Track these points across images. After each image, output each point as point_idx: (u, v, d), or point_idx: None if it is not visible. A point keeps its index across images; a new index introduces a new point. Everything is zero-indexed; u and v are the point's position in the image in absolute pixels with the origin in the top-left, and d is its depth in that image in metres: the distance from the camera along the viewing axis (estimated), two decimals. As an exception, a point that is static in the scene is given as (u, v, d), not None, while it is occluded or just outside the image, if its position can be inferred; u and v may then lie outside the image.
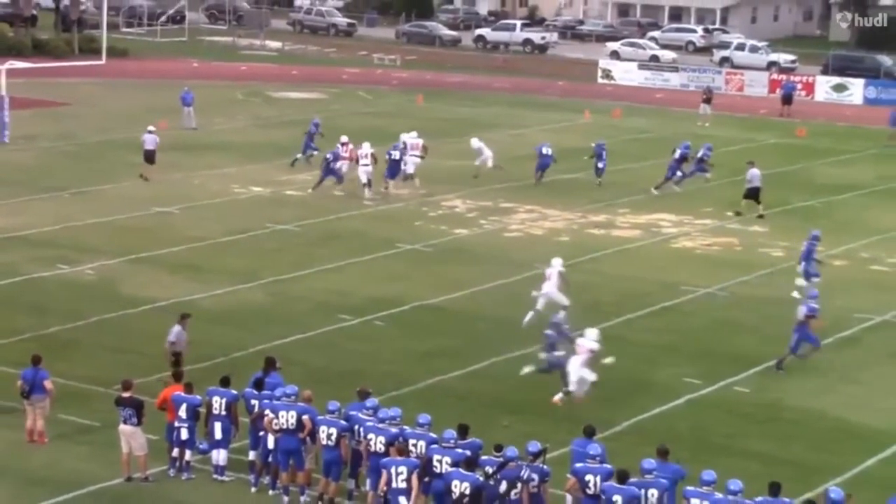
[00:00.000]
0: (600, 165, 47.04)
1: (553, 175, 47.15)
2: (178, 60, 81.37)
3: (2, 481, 21.34)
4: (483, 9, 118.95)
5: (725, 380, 27.38)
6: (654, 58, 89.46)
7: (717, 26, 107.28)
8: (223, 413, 21.47)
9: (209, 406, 21.55)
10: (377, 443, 20.06)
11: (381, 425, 20.28)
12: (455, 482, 18.86)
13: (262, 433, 21.17)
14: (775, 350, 29.28)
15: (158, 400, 21.94)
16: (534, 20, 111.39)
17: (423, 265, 35.90)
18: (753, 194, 42.78)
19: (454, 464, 19.25)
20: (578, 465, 19.44)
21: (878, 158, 56.21)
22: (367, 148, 43.42)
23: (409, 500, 19.22)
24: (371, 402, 21.15)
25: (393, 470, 19.31)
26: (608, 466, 19.10)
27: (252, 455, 21.51)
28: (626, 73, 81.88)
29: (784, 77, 77.94)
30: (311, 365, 26.61)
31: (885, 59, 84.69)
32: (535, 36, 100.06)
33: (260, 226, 39.16)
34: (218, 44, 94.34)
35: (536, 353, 28.49)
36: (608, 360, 25.76)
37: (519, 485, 18.97)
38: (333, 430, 20.49)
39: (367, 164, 43.21)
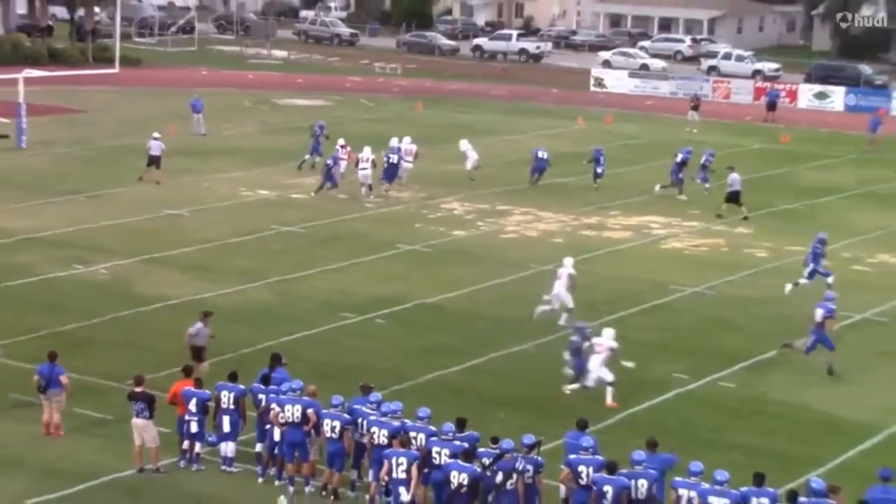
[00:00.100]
0: (598, 170, 47.13)
1: (547, 179, 47.18)
2: (188, 69, 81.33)
3: (20, 472, 21.35)
4: (480, 20, 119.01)
5: (712, 375, 27.38)
6: (645, 67, 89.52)
7: (704, 36, 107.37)
8: (231, 407, 21.47)
9: (218, 400, 21.56)
10: (380, 436, 20.09)
11: (383, 419, 20.31)
12: (453, 473, 18.89)
13: (268, 426, 21.18)
14: (760, 347, 29.37)
15: (169, 394, 21.95)
16: (529, 30, 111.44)
17: (423, 265, 35.91)
18: (734, 198, 42.84)
19: (453, 455, 19.27)
20: (572, 456, 19.45)
21: (858, 163, 56.22)
22: (367, 152, 43.45)
23: (408, 490, 19.25)
24: (375, 396, 21.17)
25: (394, 460, 19.33)
26: (600, 458, 19.10)
27: (259, 447, 21.51)
28: (618, 82, 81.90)
29: (768, 85, 78.03)
30: (315, 361, 26.60)
31: (865, 68, 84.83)
32: (531, 46, 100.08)
33: (266, 227, 39.15)
34: (226, 53, 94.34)
35: (530, 349, 28.63)
36: (630, 364, 25.66)
37: (514, 476, 18.98)
38: (337, 423, 20.52)
39: (366, 168, 43.26)
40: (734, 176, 43.12)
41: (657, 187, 46.00)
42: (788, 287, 33.53)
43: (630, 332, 29.50)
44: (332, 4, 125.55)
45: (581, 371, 25.48)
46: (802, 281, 33.67)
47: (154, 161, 44.77)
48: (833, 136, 64.26)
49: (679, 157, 46.15)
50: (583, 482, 18.95)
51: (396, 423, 20.18)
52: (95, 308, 30.28)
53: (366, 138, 46.96)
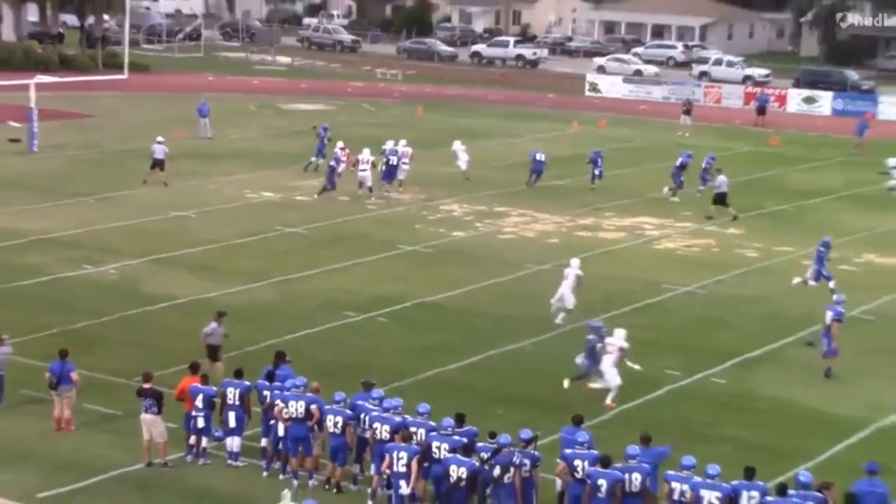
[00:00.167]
0: (596, 172, 47.21)
1: (543, 181, 47.20)
2: (195, 75, 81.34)
3: (32, 466, 21.36)
4: (478, 26, 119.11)
5: (704, 372, 27.39)
6: (638, 72, 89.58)
7: (696, 43, 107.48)
8: (237, 403, 21.48)
9: (224, 396, 21.56)
10: (382, 431, 20.10)
11: (385, 415, 20.32)
12: (453, 467, 18.90)
13: (273, 422, 21.18)
14: (750, 344, 29.39)
15: (177, 391, 21.95)
16: (526, 37, 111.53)
17: (423, 265, 35.91)
18: (720, 199, 42.93)
19: (452, 450, 19.28)
20: (567, 451, 19.46)
21: (845, 165, 56.23)
22: (366, 154, 43.64)
23: (408, 483, 19.26)
24: (377, 392, 21.19)
25: (394, 454, 19.33)
26: (595, 452, 19.12)
27: (264, 442, 21.52)
28: (612, 87, 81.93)
29: (758, 90, 78.06)
30: (318, 358, 26.60)
31: (852, 74, 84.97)
32: (527, 52, 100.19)
33: (271, 229, 39.15)
34: (232, 59, 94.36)
35: (527, 347, 28.64)
36: (636, 366, 25.62)
37: (512, 469, 18.98)
38: (339, 419, 20.53)
39: (365, 170, 43.39)
40: (722, 178, 43.26)
41: (665, 189, 45.71)
42: (797, 280, 33.41)
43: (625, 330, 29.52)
44: (335, 12, 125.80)
45: (591, 370, 25.41)
46: (811, 283, 33.46)
47: (158, 164, 44.86)
48: (821, 140, 64.27)
49: (679, 161, 46.16)
50: (578, 476, 18.97)
51: (398, 419, 20.19)
52: (105, 307, 30.28)
53: (368, 142, 46.98)
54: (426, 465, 19.41)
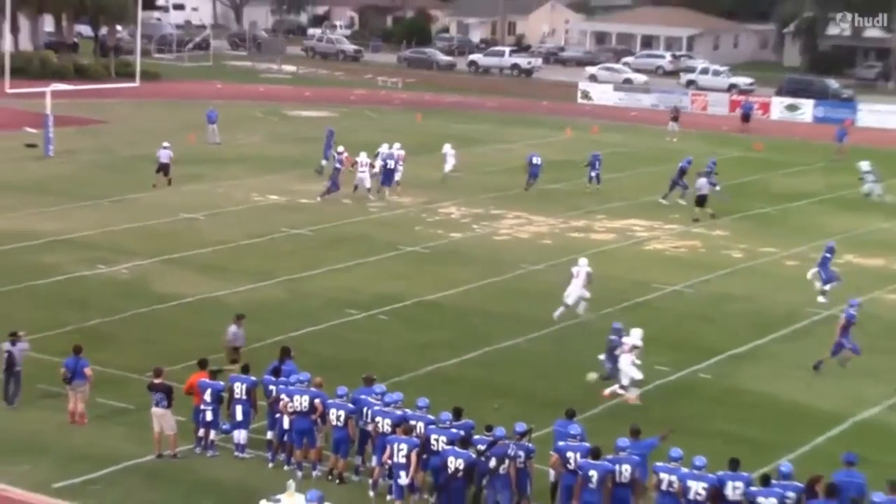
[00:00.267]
0: (593, 174, 47.23)
1: (538, 185, 47.15)
2: (204, 83, 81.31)
3: (47, 457, 21.34)
4: (475, 37, 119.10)
5: (691, 367, 27.37)
6: (628, 81, 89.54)
7: (683, 53, 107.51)
8: (244, 397, 21.45)
9: (231, 391, 21.53)
10: (384, 424, 20.09)
11: (386, 409, 20.31)
12: (450, 459, 18.89)
13: (278, 415, 21.16)
14: (735, 341, 29.39)
15: (186, 385, 21.93)
16: (521, 47, 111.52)
17: (422, 265, 35.89)
18: (701, 201, 42.99)
19: (449, 442, 19.27)
20: (560, 443, 19.46)
21: (826, 170, 56.22)
22: (363, 157, 43.95)
23: (407, 474, 19.24)
24: (379, 387, 21.19)
25: (395, 446, 19.33)
26: (587, 445, 19.10)
27: (269, 434, 21.49)
28: (603, 94, 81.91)
29: (743, 98, 78.09)
30: (321, 354, 26.57)
31: (833, 83, 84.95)
32: (522, 61, 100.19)
33: (276, 230, 39.13)
34: (239, 68, 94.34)
35: (521, 344, 28.63)
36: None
37: (507, 461, 18.97)
38: (342, 412, 20.52)
39: (364, 172, 43.61)
40: (702, 181, 43.38)
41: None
42: (821, 299, 33.07)
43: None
44: (338, 23, 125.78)
45: (613, 371, 25.33)
46: (826, 287, 33.11)
47: (163, 168, 44.91)
48: (803, 146, 64.26)
49: (680, 166, 46.11)
50: (571, 467, 18.95)
51: (399, 413, 20.19)
52: (117, 305, 30.26)
53: (369, 147, 46.92)
54: (425, 456, 19.40)
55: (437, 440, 19.43)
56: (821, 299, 32.63)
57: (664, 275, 35.44)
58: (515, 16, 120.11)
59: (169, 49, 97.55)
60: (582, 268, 30.46)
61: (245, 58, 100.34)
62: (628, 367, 24.89)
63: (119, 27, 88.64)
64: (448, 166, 48.08)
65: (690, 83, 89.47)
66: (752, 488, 18.11)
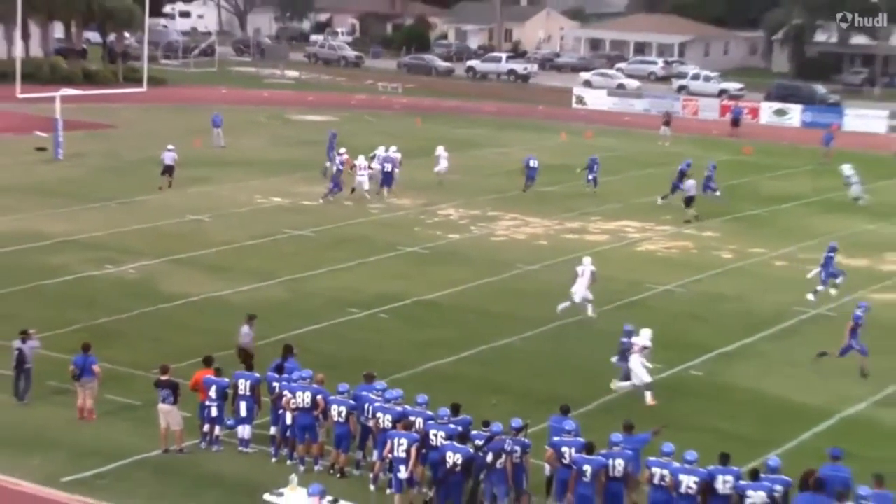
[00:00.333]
0: (590, 177, 47.25)
1: (535, 187, 47.15)
2: (209, 88, 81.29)
3: (57, 452, 21.34)
4: (473, 43, 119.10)
5: (682, 365, 27.37)
6: (621, 86, 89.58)
7: (675, 59, 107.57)
8: (248, 394, 21.46)
9: (235, 387, 21.54)
10: (385, 420, 20.09)
11: (387, 405, 20.31)
12: (449, 453, 18.89)
13: (281, 411, 21.16)
14: (725, 339, 29.39)
15: (192, 382, 21.92)
16: (517, 53, 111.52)
17: (421, 265, 35.88)
18: (689, 202, 43.04)
19: (448, 438, 19.27)
20: (555, 438, 19.46)
21: (813, 173, 56.23)
22: (361, 160, 44.00)
23: (407, 468, 19.24)
24: (380, 384, 21.19)
25: (395, 441, 19.33)
26: (581, 440, 19.11)
27: (273, 430, 21.49)
28: (597, 99, 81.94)
29: (733, 103, 78.11)
30: (323, 352, 26.56)
31: (820, 88, 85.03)
32: (519, 67, 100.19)
33: (279, 231, 39.12)
34: (244, 73, 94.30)
35: (517, 342, 28.62)
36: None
37: (503, 456, 18.98)
38: (343, 409, 20.51)
39: (363, 175, 43.67)
40: (690, 182, 43.52)
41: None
42: (810, 297, 33.08)
43: (608, 325, 29.56)
44: (340, 30, 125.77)
45: (627, 371, 25.27)
46: (820, 288, 33.18)
47: (168, 170, 44.94)
48: (791, 149, 64.29)
49: (679, 169, 46.07)
50: (565, 461, 18.96)
51: (399, 409, 20.19)
52: (125, 304, 30.24)
53: (370, 150, 46.94)
54: (423, 451, 19.39)
55: (435, 435, 19.43)
56: (810, 297, 32.65)
57: (656, 275, 35.43)
58: (512, 23, 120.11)
59: (175, 55, 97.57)
60: (586, 267, 30.50)
61: (249, 64, 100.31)
62: (638, 367, 24.88)
63: (127, 34, 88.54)
64: (439, 167, 48.01)
65: (682, 88, 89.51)
66: (742, 482, 18.11)
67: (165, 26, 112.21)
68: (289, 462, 21.06)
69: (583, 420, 21.24)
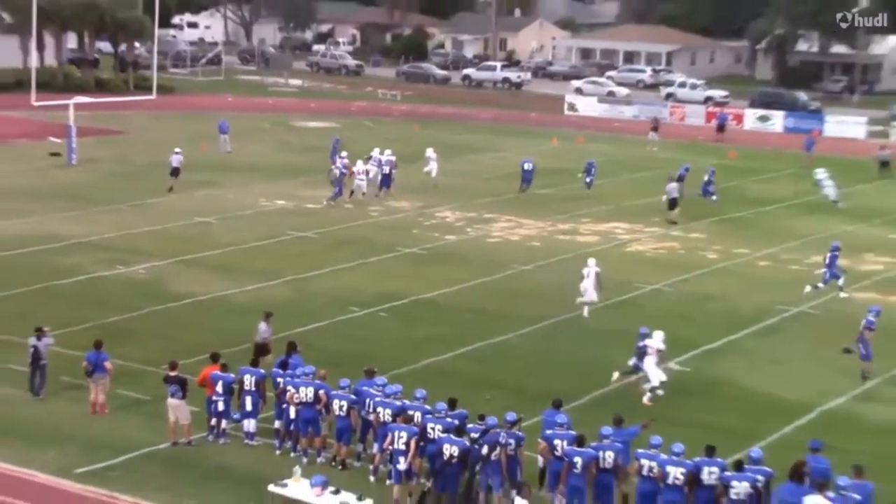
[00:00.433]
0: (587, 179, 47.28)
1: (531, 189, 47.16)
2: (216, 96, 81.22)
3: (71, 445, 21.35)
4: (469, 52, 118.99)
5: (670, 361, 27.33)
6: (611, 93, 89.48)
7: (663, 67, 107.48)
8: (253, 389, 21.46)
9: (241, 383, 21.54)
10: (385, 414, 20.10)
11: (387, 400, 20.33)
12: (446, 446, 18.90)
13: (285, 405, 21.18)
14: (711, 337, 29.39)
15: (199, 378, 21.94)
16: (511, 62, 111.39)
17: (420, 266, 35.89)
18: (672, 205, 43.07)
19: (445, 431, 19.27)
20: (548, 431, 19.48)
21: (796, 177, 56.16)
22: (360, 165, 44.17)
23: (406, 460, 19.25)
24: (381, 380, 21.21)
25: (395, 434, 19.34)
26: (573, 433, 19.12)
27: (277, 424, 21.50)
28: (588, 106, 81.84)
29: (718, 109, 78.03)
30: (326, 349, 26.57)
31: (802, 95, 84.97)
32: (513, 75, 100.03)
33: (284, 233, 39.12)
34: (249, 82, 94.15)
35: (512, 339, 28.62)
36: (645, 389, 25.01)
37: (498, 448, 18.99)
38: (345, 403, 20.53)
39: (362, 179, 43.86)
40: (672, 185, 43.48)
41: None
42: (807, 289, 33.01)
43: (599, 323, 29.60)
44: (341, 40, 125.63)
45: (640, 370, 25.21)
46: (820, 286, 33.13)
47: (174, 173, 44.98)
48: (774, 154, 64.27)
49: (678, 174, 46.08)
50: (558, 453, 18.97)
51: (398, 403, 20.20)
52: (135, 303, 30.24)
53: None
54: (422, 444, 19.40)
55: (433, 429, 19.43)
56: (807, 289, 32.62)
57: (645, 275, 35.44)
58: (506, 33, 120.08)
59: (183, 64, 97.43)
60: (591, 268, 30.55)
61: (254, 72, 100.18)
62: (651, 368, 24.86)
63: (137, 44, 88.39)
64: (428, 168, 47.97)
65: (669, 96, 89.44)
66: (727, 473, 18.15)
67: (174, 37, 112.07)
68: (292, 454, 21.07)
69: (574, 414, 21.26)
